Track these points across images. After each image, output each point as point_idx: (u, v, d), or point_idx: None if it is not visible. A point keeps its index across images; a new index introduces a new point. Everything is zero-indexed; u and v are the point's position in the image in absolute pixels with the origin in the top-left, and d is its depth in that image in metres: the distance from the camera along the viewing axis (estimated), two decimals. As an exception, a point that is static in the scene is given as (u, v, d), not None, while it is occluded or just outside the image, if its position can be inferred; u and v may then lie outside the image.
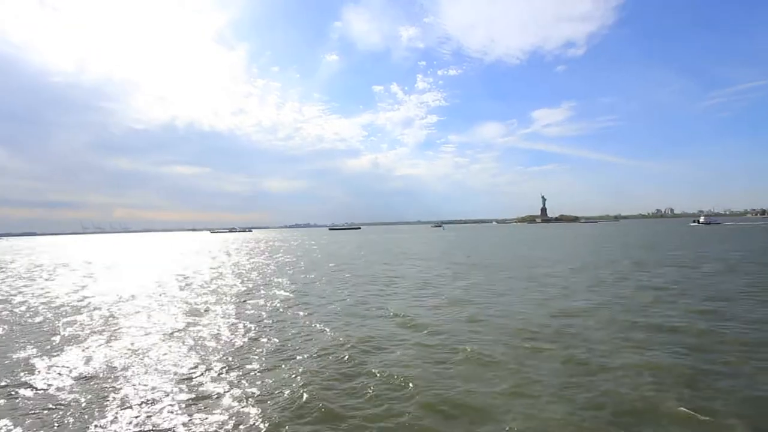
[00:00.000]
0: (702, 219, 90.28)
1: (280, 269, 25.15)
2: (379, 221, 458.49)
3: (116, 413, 5.78)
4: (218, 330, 10.35)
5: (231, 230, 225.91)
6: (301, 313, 12.13)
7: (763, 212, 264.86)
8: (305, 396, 6.17)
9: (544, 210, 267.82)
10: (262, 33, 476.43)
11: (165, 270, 26.13)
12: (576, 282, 16.60)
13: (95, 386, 6.83)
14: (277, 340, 9.31)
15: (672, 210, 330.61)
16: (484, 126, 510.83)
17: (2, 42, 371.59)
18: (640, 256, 26.31)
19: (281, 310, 12.79)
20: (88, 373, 7.43)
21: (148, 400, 6.18)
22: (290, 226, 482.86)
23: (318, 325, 10.57)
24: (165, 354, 8.47)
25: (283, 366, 7.59)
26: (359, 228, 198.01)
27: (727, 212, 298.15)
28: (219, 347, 8.86)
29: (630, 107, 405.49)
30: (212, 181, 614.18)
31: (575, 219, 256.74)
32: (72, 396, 6.43)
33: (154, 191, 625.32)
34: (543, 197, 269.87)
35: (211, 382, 6.89)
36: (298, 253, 40.90)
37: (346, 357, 7.96)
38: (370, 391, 6.31)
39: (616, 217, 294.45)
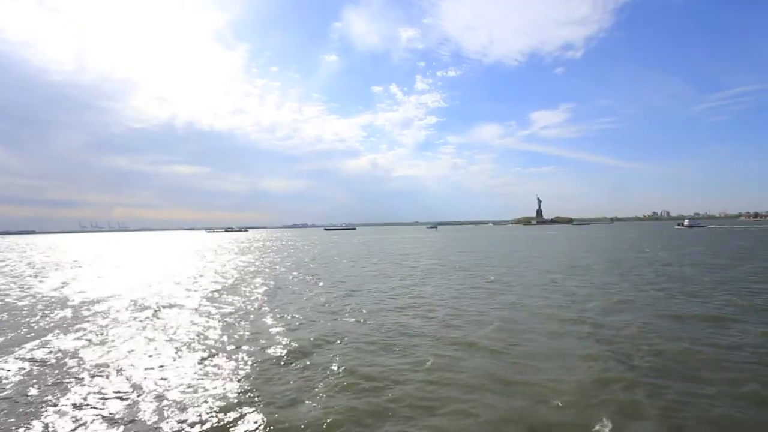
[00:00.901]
0: (686, 222, 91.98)
1: (257, 270, 26.33)
2: (377, 222, 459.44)
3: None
4: (168, 327, 11.38)
5: (227, 230, 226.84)
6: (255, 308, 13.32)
7: (756, 215, 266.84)
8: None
9: (539, 212, 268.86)
10: (261, 33, 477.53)
11: (143, 269, 27.25)
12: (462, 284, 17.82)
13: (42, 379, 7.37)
14: (219, 334, 10.49)
15: (668, 212, 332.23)
16: (483, 127, 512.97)
17: (1, 41, 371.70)
18: (586, 259, 27.62)
19: (243, 308, 13.97)
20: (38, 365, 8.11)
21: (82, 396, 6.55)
22: (288, 226, 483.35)
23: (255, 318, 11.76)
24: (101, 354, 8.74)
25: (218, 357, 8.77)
26: (354, 229, 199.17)
27: (722, 215, 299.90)
28: (161, 345, 9.28)
29: (627, 110, 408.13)
30: (211, 180, 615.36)
31: (570, 221, 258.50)
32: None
33: (153, 190, 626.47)
34: (539, 199, 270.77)
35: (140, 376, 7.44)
36: (283, 253, 42.06)
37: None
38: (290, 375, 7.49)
39: (612, 220, 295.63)
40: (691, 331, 9.42)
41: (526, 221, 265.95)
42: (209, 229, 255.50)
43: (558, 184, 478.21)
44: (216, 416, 5.66)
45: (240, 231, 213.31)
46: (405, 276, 20.47)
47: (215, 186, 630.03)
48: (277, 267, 26.53)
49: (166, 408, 5.94)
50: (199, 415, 5.68)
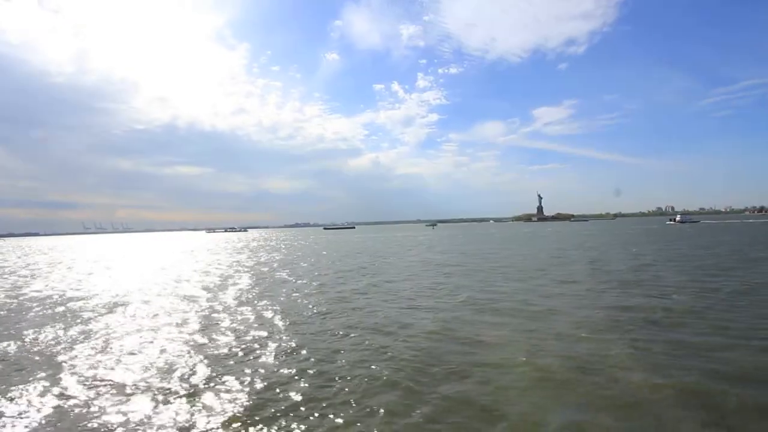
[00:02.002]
0: (678, 218, 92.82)
1: (246, 268, 27.39)
2: (380, 220, 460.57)
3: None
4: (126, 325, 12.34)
5: (226, 230, 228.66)
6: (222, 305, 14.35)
7: (762, 209, 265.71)
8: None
9: (540, 208, 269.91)
10: (262, 32, 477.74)
11: (134, 270, 28.37)
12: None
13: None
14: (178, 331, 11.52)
15: (673, 208, 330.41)
16: (486, 124, 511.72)
17: (1, 43, 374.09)
18: (561, 255, 28.51)
19: (220, 306, 15.00)
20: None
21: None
22: (290, 226, 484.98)
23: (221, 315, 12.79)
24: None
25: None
26: (353, 228, 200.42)
27: (728, 209, 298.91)
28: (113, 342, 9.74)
29: (632, 105, 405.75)
30: (214, 181, 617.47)
31: (571, 217, 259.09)
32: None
33: (156, 192, 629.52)
34: (539, 196, 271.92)
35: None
36: (274, 253, 43.13)
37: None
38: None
39: (615, 216, 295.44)
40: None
41: (527, 218, 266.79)
42: (209, 230, 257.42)
43: (562, 181, 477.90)
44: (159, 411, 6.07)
45: (240, 231, 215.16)
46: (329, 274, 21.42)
47: (218, 187, 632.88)
48: (258, 267, 27.59)
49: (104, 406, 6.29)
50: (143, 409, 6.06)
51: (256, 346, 8.96)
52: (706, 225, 78.35)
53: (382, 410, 5.66)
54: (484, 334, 9.27)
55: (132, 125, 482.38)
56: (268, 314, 12.16)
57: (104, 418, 5.75)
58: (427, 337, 9.22)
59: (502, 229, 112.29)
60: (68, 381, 7.14)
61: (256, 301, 14.36)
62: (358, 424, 5.34)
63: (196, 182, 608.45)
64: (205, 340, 9.48)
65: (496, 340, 8.76)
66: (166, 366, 7.78)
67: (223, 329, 10.46)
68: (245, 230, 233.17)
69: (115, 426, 5.53)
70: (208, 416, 5.68)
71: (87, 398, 6.41)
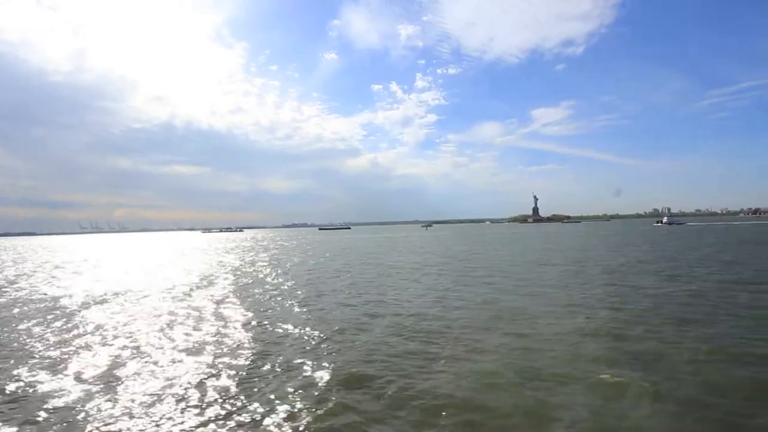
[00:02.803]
0: (665, 219, 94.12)
1: (232, 268, 28.35)
2: (378, 221, 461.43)
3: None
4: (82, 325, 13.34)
5: (222, 230, 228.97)
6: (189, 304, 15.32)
7: (756, 211, 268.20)
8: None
9: (535, 209, 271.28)
10: (260, 31, 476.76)
11: (119, 269, 29.28)
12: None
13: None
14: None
15: (669, 209, 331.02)
16: (484, 125, 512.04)
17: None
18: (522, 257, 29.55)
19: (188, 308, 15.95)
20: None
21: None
22: (288, 226, 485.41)
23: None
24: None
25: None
26: (349, 228, 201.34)
27: (724, 211, 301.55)
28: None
29: (629, 106, 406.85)
30: (212, 180, 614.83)
31: (566, 218, 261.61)
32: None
33: (154, 191, 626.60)
34: (535, 197, 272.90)
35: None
36: (262, 254, 44.09)
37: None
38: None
39: (611, 217, 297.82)
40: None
41: (523, 219, 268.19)
42: (205, 230, 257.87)
43: (560, 182, 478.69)
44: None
45: (236, 231, 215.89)
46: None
47: (216, 186, 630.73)
48: (243, 267, 28.56)
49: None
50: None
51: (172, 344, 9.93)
52: (692, 227, 79.73)
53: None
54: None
55: (130, 124, 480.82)
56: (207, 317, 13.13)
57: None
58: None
59: (495, 230, 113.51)
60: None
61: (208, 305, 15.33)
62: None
63: (194, 181, 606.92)
64: (150, 339, 9.99)
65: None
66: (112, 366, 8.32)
67: (172, 328, 11.13)
68: (241, 230, 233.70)
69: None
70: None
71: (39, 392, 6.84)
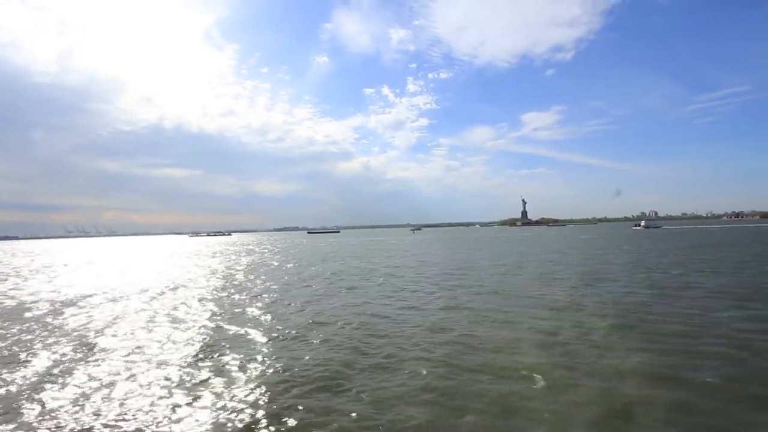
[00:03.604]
0: (643, 223, 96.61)
1: (208, 272, 28.88)
2: (370, 224, 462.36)
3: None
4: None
5: (210, 234, 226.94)
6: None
7: (738, 215, 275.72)
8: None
9: (524, 213, 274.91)
10: (251, 33, 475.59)
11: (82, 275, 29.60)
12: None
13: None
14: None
15: (656, 212, 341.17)
16: (475, 129, 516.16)
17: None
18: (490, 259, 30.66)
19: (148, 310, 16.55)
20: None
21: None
22: (279, 230, 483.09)
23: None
24: None
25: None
26: (338, 232, 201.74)
27: (709, 214, 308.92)
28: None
29: (618, 111, 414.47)
30: (202, 183, 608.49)
31: (555, 222, 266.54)
32: None
33: (143, 194, 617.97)
34: (523, 200, 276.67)
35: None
36: (243, 258, 44.52)
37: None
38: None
39: (600, 220, 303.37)
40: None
41: (512, 222, 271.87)
42: (193, 233, 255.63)
43: (551, 186, 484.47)
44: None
45: (225, 235, 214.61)
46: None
47: (207, 189, 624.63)
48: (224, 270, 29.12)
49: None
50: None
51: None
52: (667, 230, 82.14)
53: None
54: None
55: (118, 126, 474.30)
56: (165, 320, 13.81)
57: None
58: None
59: (481, 233, 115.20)
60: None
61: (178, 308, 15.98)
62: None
63: (184, 184, 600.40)
64: (102, 341, 10.96)
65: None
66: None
67: (125, 330, 11.91)
68: (229, 234, 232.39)
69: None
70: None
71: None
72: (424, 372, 7.47)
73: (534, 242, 55.07)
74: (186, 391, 6.88)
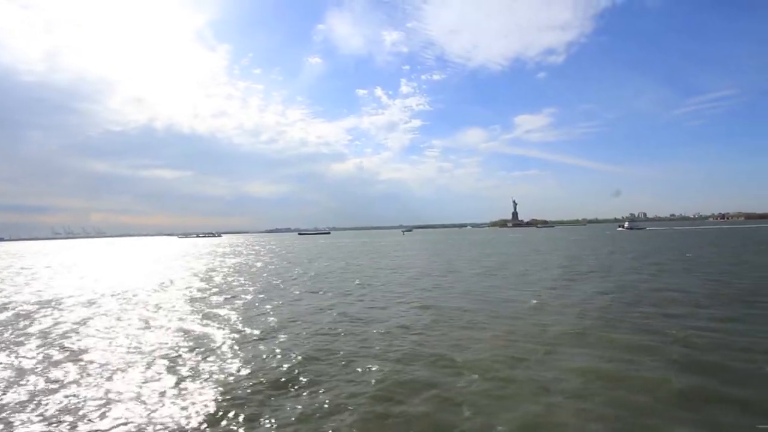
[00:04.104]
0: (626, 224, 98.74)
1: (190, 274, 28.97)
2: (362, 225, 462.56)
3: None
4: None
5: (200, 235, 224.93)
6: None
7: (724, 216, 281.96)
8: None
9: (515, 214, 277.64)
10: (243, 34, 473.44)
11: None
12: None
13: None
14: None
15: (645, 214, 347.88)
16: (468, 131, 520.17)
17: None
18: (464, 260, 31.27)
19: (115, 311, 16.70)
20: None
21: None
22: (271, 231, 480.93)
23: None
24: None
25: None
26: (328, 233, 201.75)
27: (696, 216, 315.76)
28: None
29: (609, 114, 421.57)
30: (194, 185, 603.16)
31: (545, 223, 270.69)
32: None
33: (133, 195, 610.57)
34: (514, 202, 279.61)
35: None
36: (228, 260, 44.57)
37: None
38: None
39: (590, 222, 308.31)
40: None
41: (503, 224, 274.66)
42: (182, 235, 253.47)
43: (543, 187, 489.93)
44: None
45: (215, 236, 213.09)
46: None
47: (198, 190, 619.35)
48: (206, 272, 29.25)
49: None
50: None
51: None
52: (651, 231, 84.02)
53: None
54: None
55: (108, 126, 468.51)
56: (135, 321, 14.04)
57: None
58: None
59: (472, 235, 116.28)
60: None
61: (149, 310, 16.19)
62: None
63: (175, 186, 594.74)
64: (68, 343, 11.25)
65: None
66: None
67: (90, 333, 12.15)
68: (219, 235, 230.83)
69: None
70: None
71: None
72: (374, 368, 7.86)
73: (519, 244, 55.85)
74: (134, 392, 7.16)
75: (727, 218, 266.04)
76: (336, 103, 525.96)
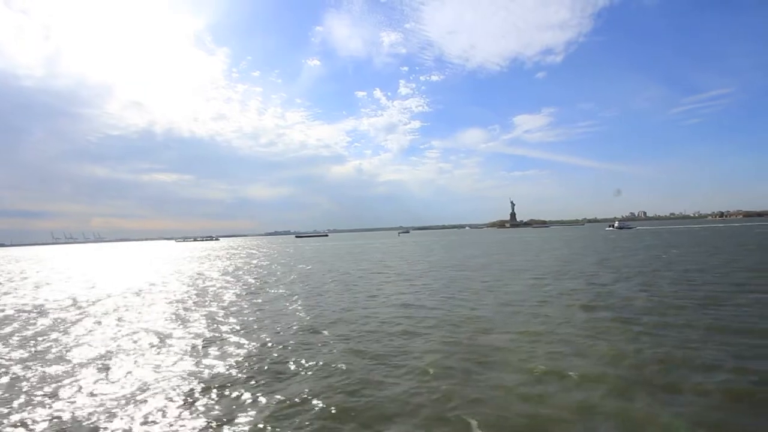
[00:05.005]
0: (616, 224, 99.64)
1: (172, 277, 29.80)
2: (362, 227, 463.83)
3: None
4: None
5: (197, 239, 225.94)
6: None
7: (722, 214, 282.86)
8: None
9: (513, 215, 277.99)
10: (242, 37, 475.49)
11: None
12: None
13: None
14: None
15: (645, 213, 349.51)
16: (467, 131, 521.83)
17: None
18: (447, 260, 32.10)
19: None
20: None
21: None
22: (270, 234, 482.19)
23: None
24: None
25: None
26: (326, 235, 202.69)
27: (696, 214, 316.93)
28: None
29: (608, 113, 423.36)
30: (194, 188, 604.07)
31: (543, 223, 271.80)
32: None
33: (134, 200, 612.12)
34: (512, 202, 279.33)
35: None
36: (219, 263, 45.38)
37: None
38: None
39: (589, 221, 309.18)
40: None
41: (501, 224, 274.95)
42: (179, 239, 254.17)
43: (543, 187, 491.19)
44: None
45: (212, 240, 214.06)
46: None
47: (198, 194, 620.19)
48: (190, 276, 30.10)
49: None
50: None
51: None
52: (641, 230, 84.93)
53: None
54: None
55: (107, 131, 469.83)
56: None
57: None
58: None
59: (468, 235, 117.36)
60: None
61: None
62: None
63: (175, 190, 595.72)
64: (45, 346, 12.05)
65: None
66: None
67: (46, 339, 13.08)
68: (217, 239, 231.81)
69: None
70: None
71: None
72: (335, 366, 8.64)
73: (510, 244, 56.59)
74: (88, 390, 8.00)
75: (726, 216, 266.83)
76: (335, 105, 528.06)
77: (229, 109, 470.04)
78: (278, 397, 6.91)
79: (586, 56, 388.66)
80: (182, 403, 6.89)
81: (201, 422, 6.19)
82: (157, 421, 6.26)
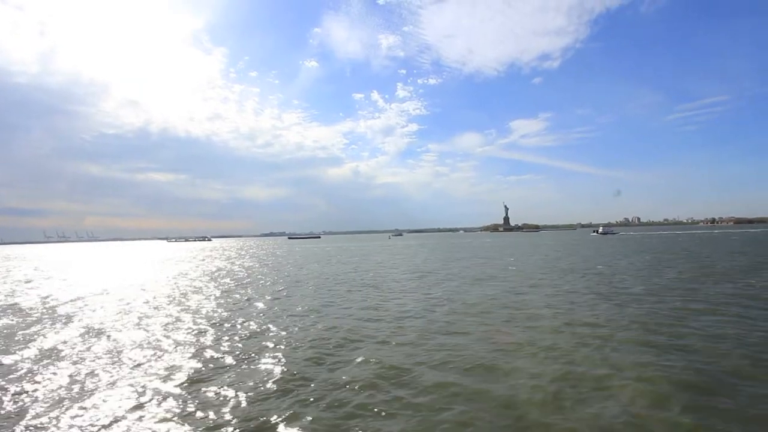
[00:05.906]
0: (600, 230, 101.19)
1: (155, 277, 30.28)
2: (358, 229, 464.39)
3: None
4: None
5: (189, 239, 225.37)
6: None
7: (713, 221, 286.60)
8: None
9: (506, 219, 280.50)
10: (239, 37, 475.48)
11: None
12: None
13: None
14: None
15: (639, 218, 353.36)
16: (464, 135, 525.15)
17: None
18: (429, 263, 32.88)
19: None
20: None
21: None
22: (266, 235, 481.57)
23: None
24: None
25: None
26: (319, 237, 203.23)
27: (690, 220, 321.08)
28: None
29: (604, 119, 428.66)
30: (189, 188, 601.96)
31: (536, 227, 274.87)
32: None
33: (128, 199, 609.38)
34: (505, 206, 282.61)
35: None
36: (216, 261, 45.84)
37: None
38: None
39: (584, 226, 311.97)
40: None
41: (494, 228, 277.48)
42: (171, 239, 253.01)
43: (539, 192, 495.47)
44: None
45: (204, 240, 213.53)
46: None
47: (193, 194, 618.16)
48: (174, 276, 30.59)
49: None
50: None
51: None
52: (624, 236, 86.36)
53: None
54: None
55: (102, 129, 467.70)
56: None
57: None
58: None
59: (461, 239, 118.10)
60: None
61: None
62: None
63: (171, 189, 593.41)
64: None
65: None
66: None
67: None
68: (209, 239, 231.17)
69: None
70: None
71: None
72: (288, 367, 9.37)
73: (499, 248, 57.46)
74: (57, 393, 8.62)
75: (717, 223, 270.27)
76: (332, 107, 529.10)
77: (226, 109, 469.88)
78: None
79: (582, 62, 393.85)
80: (128, 404, 7.12)
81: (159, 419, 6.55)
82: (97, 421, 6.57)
